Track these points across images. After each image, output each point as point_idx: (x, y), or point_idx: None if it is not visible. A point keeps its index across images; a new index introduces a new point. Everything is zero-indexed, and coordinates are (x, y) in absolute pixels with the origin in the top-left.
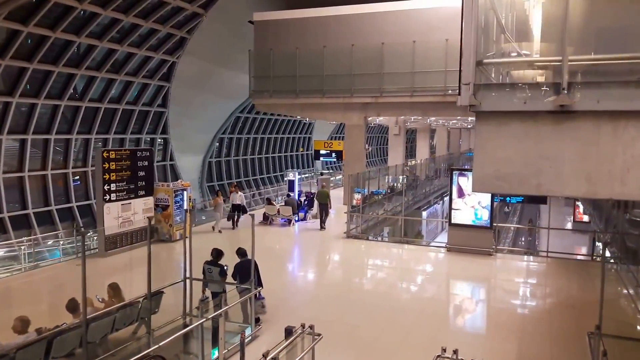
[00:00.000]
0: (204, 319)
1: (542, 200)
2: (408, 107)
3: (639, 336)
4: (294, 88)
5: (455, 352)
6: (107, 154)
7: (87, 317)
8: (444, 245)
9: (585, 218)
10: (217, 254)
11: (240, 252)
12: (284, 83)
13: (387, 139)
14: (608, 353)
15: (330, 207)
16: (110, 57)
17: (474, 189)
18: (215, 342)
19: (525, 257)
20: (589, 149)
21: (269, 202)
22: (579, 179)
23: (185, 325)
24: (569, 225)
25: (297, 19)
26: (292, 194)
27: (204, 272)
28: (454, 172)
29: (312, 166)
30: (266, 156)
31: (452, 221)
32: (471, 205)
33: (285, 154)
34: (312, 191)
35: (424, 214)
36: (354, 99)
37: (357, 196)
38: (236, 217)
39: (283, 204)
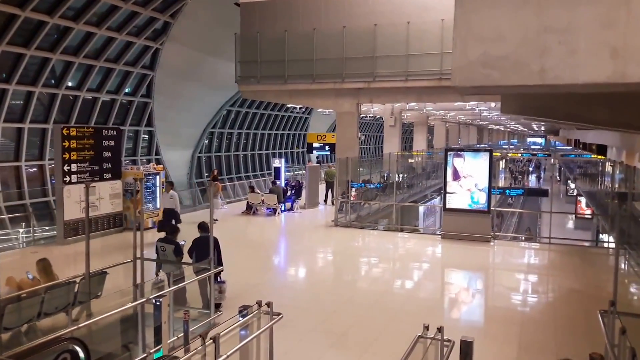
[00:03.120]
0: (140, 301)
1: (543, 192)
2: (402, 92)
3: None
4: (282, 73)
5: (439, 329)
6: (67, 131)
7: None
8: (438, 232)
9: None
10: (172, 230)
11: (202, 227)
12: (272, 68)
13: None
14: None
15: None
16: (88, 41)
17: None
18: (158, 329)
19: (527, 243)
20: (615, 13)
21: (252, 189)
22: (601, 56)
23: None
24: (571, 223)
25: (285, 0)
26: (278, 182)
27: (157, 251)
28: (448, 153)
29: (308, 160)
30: (259, 152)
31: (447, 206)
32: (467, 188)
33: (280, 150)
34: (301, 180)
35: (421, 208)
36: (346, 85)
37: (353, 192)
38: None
39: (268, 192)
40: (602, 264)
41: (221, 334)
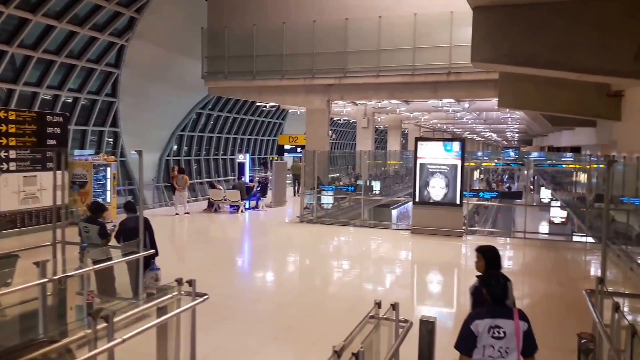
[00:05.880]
0: (35, 283)
1: (517, 195)
2: (373, 88)
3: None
4: (251, 69)
5: (394, 306)
6: (5, 115)
7: None
8: (407, 227)
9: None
10: (96, 207)
11: (128, 207)
12: (240, 64)
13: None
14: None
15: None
16: (48, 35)
17: None
18: (62, 317)
19: (501, 238)
20: None
21: (212, 186)
22: None
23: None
24: (545, 229)
25: None
26: (242, 177)
27: (80, 233)
28: (419, 143)
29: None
30: (231, 157)
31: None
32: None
33: (253, 156)
34: (267, 176)
35: (394, 212)
36: (316, 81)
37: (328, 199)
38: None
39: (230, 188)
40: (579, 256)
41: (126, 315)
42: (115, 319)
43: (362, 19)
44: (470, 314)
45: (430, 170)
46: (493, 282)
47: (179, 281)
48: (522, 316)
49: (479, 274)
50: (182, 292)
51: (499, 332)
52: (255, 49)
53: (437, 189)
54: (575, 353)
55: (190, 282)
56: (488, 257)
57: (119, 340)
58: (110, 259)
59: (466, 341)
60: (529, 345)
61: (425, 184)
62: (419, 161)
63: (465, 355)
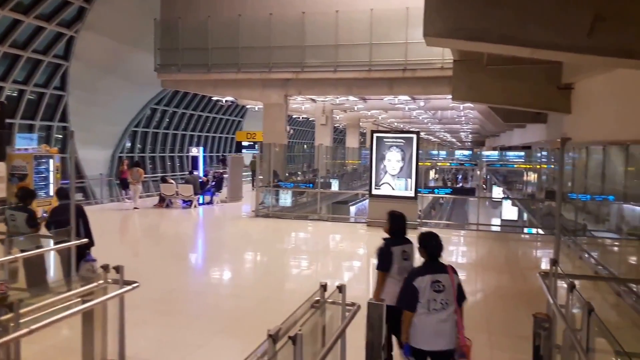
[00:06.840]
0: None
1: (470, 191)
2: (331, 84)
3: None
4: (205, 62)
5: (340, 288)
6: None
7: None
8: (364, 220)
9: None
10: (25, 194)
11: (60, 194)
12: (194, 56)
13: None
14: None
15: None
16: None
17: None
18: None
19: (455, 230)
20: None
21: (164, 180)
22: None
23: None
24: (497, 222)
25: None
26: (195, 172)
27: (6, 222)
28: (374, 134)
29: None
30: (187, 155)
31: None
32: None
33: (211, 154)
34: (223, 171)
35: (352, 209)
36: (273, 75)
37: (285, 198)
38: None
39: (183, 182)
40: (529, 248)
41: (39, 305)
42: (28, 309)
43: (319, 13)
44: (410, 273)
45: (386, 143)
46: (432, 242)
47: (105, 267)
48: (454, 270)
49: (387, 236)
50: (109, 280)
51: (439, 286)
52: (210, 41)
53: (393, 163)
54: (529, 339)
55: (118, 269)
56: (392, 221)
57: (25, 330)
58: (38, 248)
59: (410, 297)
60: (461, 296)
61: (381, 158)
62: (375, 135)
63: (409, 311)
